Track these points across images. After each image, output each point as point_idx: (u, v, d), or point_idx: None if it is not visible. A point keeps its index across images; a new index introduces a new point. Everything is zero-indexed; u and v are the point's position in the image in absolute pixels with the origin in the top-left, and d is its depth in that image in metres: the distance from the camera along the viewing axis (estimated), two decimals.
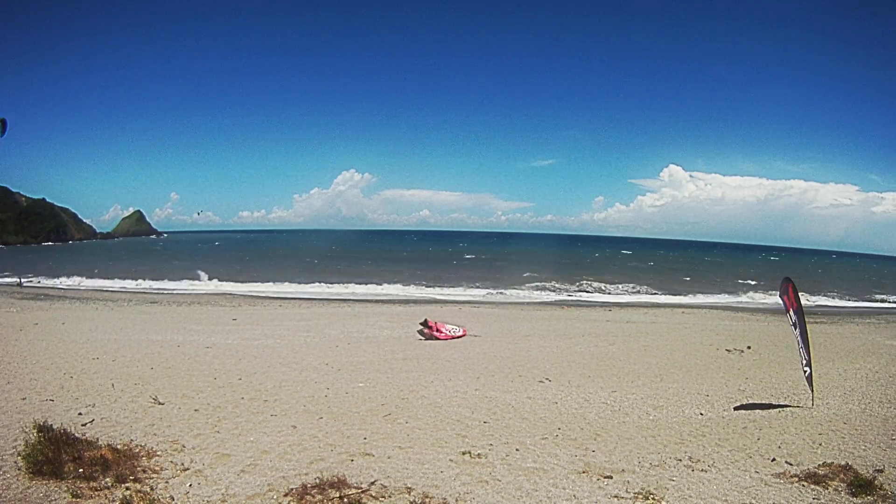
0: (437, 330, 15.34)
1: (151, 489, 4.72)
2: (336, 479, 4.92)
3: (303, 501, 4.56)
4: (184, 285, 34.89)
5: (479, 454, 5.88)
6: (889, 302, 35.25)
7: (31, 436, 5.07)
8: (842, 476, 5.13)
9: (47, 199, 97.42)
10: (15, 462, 4.91)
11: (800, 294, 8.47)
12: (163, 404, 7.53)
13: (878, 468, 5.38)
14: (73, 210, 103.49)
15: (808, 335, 8.20)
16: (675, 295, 35.03)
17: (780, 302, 8.95)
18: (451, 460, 5.68)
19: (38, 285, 33.46)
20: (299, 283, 36.19)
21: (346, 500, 4.57)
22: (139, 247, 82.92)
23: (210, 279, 37.03)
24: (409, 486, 4.96)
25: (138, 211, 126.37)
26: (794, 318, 8.38)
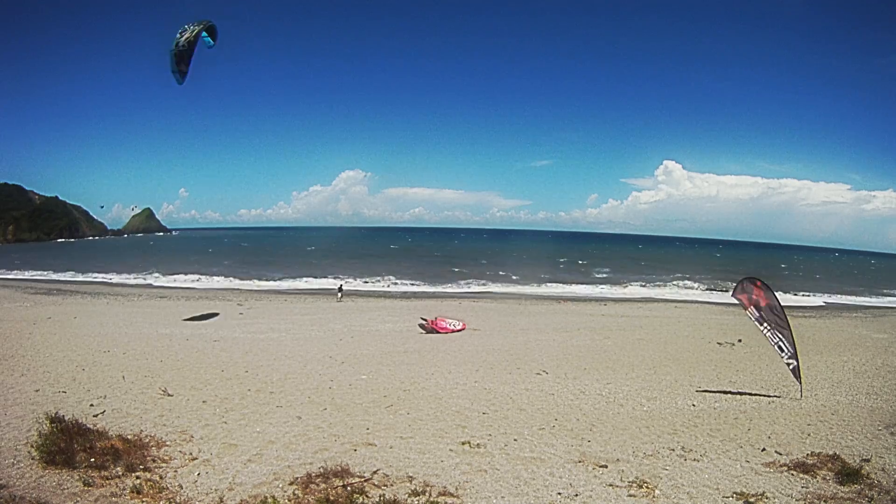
0: (438, 324, 15.50)
1: (161, 478, 4.88)
2: (340, 469, 5.06)
3: (307, 490, 4.69)
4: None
5: (478, 444, 6.03)
6: (876, 297, 35.40)
7: (44, 426, 5.24)
8: (830, 465, 5.27)
9: (59, 197, 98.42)
10: (29, 452, 5.06)
11: (791, 290, 8.63)
12: (172, 396, 7.71)
13: (864, 458, 5.53)
14: (84, 207, 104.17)
15: (792, 329, 8.37)
16: (669, 289, 35.38)
17: (736, 301, 9.10)
18: (451, 450, 5.83)
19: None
20: (302, 278, 36.45)
21: (349, 488, 4.70)
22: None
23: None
24: (411, 474, 5.11)
25: (148, 209, 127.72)
26: (756, 314, 8.56)
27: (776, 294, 8.74)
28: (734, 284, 9.30)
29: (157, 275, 37.06)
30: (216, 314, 18.56)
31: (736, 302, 9.25)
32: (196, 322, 16.89)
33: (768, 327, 8.44)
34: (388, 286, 34.24)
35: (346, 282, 33.23)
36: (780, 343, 8.29)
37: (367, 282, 35.60)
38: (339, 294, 26.74)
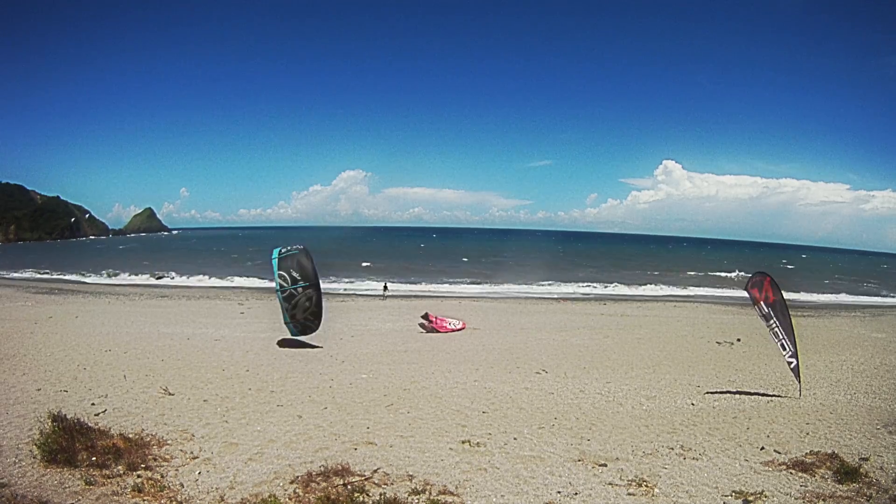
0: (438, 323, 15.53)
1: (162, 477, 4.89)
2: (340, 467, 5.08)
3: (308, 489, 4.71)
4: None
5: (478, 443, 6.04)
6: (875, 296, 35.50)
7: (45, 425, 5.25)
8: (828, 464, 5.28)
9: (61, 197, 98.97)
10: (30, 451, 5.07)
11: (790, 289, 8.65)
12: (173, 395, 7.72)
13: (863, 456, 5.54)
14: (86, 207, 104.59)
15: (794, 328, 8.38)
16: (668, 287, 35.55)
17: (748, 294, 9.13)
18: (451, 449, 5.85)
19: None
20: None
21: (349, 487, 4.72)
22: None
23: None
24: (411, 473, 5.12)
25: (149, 208, 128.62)
26: (765, 310, 8.58)
27: (782, 292, 8.77)
28: (748, 279, 9.27)
29: (156, 274, 37.07)
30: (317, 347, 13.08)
31: (736, 300, 9.30)
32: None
33: (775, 324, 8.46)
34: (388, 285, 34.24)
35: (389, 281, 33.16)
36: (784, 341, 8.32)
37: (352, 280, 35.72)
38: (385, 293, 27.89)
